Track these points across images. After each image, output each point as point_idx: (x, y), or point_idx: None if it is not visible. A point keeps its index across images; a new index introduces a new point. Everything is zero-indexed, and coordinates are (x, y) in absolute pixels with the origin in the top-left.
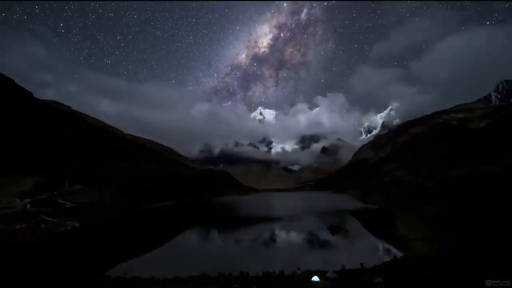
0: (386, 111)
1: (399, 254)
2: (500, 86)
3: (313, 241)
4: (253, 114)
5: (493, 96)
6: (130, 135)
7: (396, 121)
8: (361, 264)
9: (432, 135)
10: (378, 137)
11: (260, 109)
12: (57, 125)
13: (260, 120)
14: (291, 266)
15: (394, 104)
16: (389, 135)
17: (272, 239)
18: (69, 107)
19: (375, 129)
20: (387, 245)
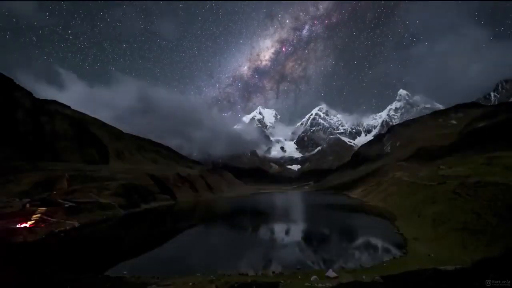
0: (385, 111)
1: (398, 254)
2: (500, 86)
3: (313, 241)
4: (252, 114)
5: (492, 96)
6: (130, 134)
7: (396, 121)
8: (361, 264)
9: (432, 135)
10: (377, 136)
11: (259, 108)
12: (56, 125)
13: (259, 120)
14: (290, 265)
15: (394, 104)
16: (389, 135)
17: (272, 238)
18: (69, 106)
19: (374, 128)
20: (386, 245)
